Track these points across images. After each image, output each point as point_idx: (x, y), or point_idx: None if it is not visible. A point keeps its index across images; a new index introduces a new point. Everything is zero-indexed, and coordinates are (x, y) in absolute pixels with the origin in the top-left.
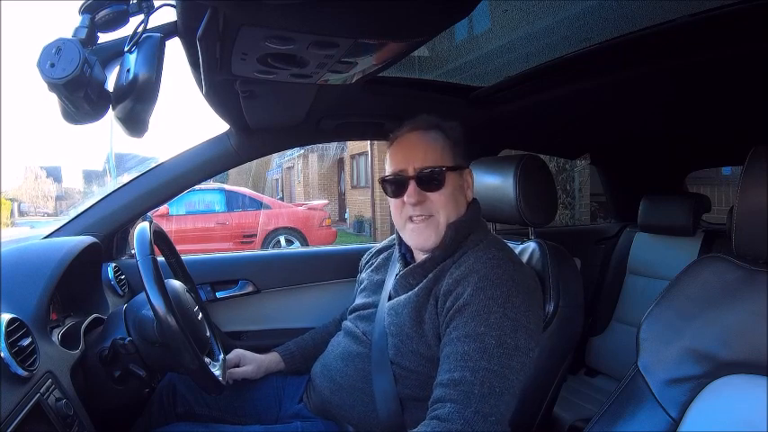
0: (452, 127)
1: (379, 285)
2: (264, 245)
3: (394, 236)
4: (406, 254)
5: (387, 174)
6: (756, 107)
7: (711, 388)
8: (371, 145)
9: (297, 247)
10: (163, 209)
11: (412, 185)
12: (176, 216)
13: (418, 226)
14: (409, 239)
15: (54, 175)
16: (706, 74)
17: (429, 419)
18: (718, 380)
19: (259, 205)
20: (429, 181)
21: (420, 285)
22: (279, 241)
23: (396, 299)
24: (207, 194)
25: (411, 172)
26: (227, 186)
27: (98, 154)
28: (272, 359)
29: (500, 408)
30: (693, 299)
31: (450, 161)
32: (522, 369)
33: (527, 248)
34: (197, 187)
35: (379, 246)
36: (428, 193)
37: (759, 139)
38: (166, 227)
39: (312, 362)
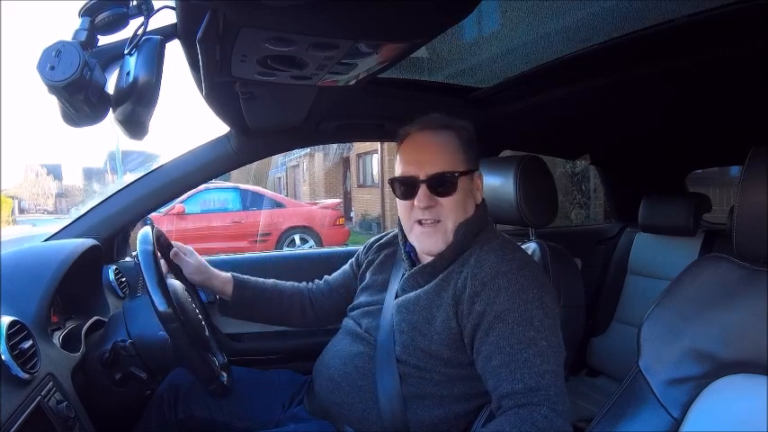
0: (464, 127)
1: (383, 284)
2: (279, 243)
3: (393, 230)
4: (411, 252)
5: (398, 174)
6: (756, 107)
7: (713, 388)
8: (381, 142)
9: (311, 246)
10: (179, 207)
11: (423, 189)
12: (192, 215)
13: (426, 230)
14: (416, 242)
15: (54, 172)
16: (706, 74)
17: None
18: (720, 380)
19: (273, 204)
20: (441, 185)
21: (431, 284)
22: (293, 240)
23: (405, 296)
24: (222, 193)
25: (423, 176)
26: (241, 185)
27: (98, 151)
28: (223, 277)
29: (567, 403)
30: (694, 299)
31: (462, 165)
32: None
33: (527, 249)
34: (211, 186)
35: (379, 240)
36: (439, 198)
37: (759, 139)
38: (182, 225)
39: (255, 312)
